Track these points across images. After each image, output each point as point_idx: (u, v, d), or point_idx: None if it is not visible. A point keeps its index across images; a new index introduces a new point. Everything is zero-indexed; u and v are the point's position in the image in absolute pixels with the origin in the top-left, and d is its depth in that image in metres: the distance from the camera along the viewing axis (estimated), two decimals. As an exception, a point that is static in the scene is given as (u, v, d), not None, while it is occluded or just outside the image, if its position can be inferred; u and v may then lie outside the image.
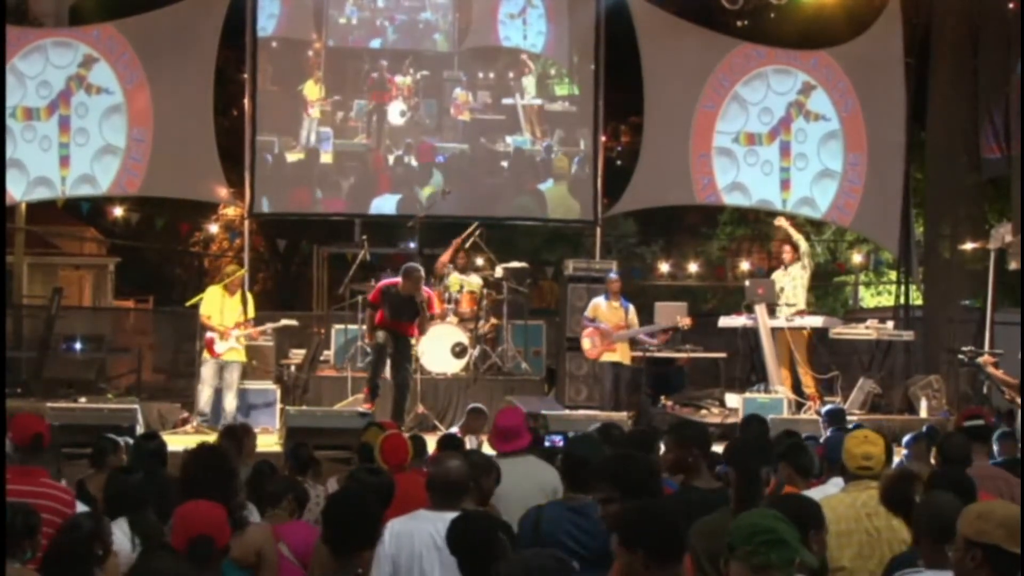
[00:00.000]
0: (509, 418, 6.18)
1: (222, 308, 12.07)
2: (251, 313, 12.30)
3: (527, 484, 5.70)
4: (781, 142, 15.54)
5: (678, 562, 3.63)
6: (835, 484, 5.44)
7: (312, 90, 14.91)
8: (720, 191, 15.63)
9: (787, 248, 13.59)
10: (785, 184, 15.64)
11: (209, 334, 12.03)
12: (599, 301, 12.74)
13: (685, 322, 12.98)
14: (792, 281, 13.19)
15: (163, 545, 4.58)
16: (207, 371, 11.98)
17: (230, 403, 12.00)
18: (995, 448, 7.32)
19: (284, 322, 13.17)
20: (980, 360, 11.85)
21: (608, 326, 12.55)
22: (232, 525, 4.38)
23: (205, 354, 12.04)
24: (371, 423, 7.70)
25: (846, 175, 15.54)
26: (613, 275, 13.00)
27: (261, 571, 4.65)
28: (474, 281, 13.46)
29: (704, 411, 13.19)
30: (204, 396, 11.97)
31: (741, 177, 15.53)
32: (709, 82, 15.41)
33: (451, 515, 4.78)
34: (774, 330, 12.96)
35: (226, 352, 11.98)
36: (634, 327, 12.75)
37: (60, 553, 4.31)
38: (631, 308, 12.79)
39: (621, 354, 12.56)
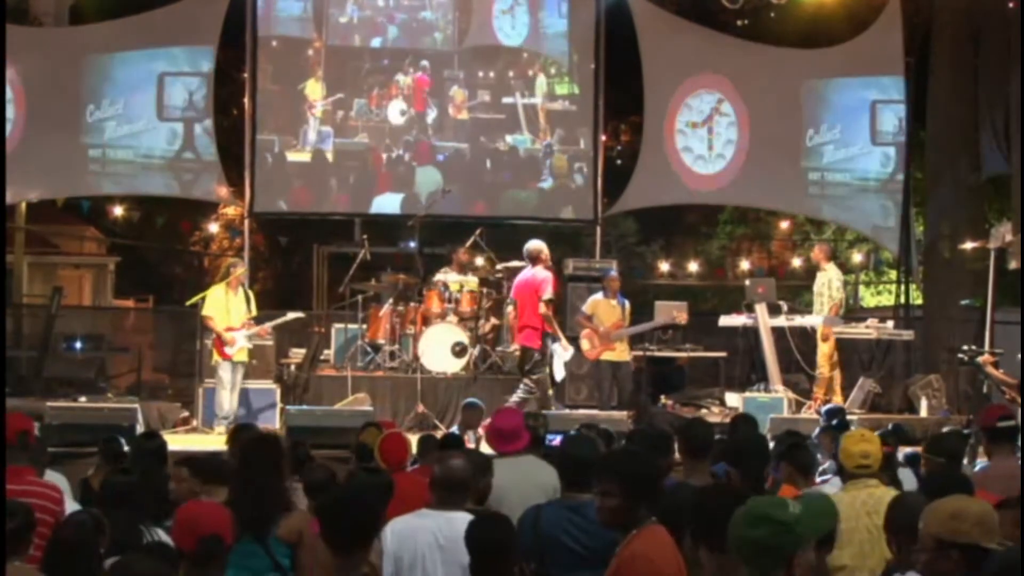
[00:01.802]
0: (508, 419, 6.18)
1: (227, 307, 11.95)
2: (254, 311, 12.25)
3: (527, 484, 5.70)
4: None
5: None
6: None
7: (314, 89, 14.91)
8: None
9: (817, 249, 13.71)
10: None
11: (216, 335, 11.92)
12: (597, 298, 12.73)
13: (682, 318, 12.99)
14: (823, 284, 13.31)
15: (145, 546, 4.60)
16: (224, 373, 11.82)
17: (233, 403, 11.90)
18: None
19: (290, 315, 13.08)
20: (980, 360, 11.84)
21: (605, 326, 12.54)
22: (283, 507, 5.06)
23: (217, 357, 11.89)
24: (369, 423, 7.69)
25: (846, 174, 15.63)
26: (613, 273, 12.98)
27: (301, 548, 4.99)
28: (471, 280, 13.49)
29: (704, 410, 13.19)
30: (226, 398, 11.81)
31: (741, 176, 15.60)
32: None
33: (453, 514, 4.80)
34: (782, 329, 12.99)
35: (236, 353, 11.92)
36: (627, 324, 12.75)
37: (65, 549, 4.31)
38: (627, 305, 12.79)
39: (619, 353, 12.56)
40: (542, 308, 11.22)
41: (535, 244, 11.58)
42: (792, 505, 3.29)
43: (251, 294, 12.38)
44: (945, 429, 6.99)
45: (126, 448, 7.14)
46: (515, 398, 11.33)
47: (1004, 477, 5.58)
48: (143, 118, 14.48)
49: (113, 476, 5.46)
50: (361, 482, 5.24)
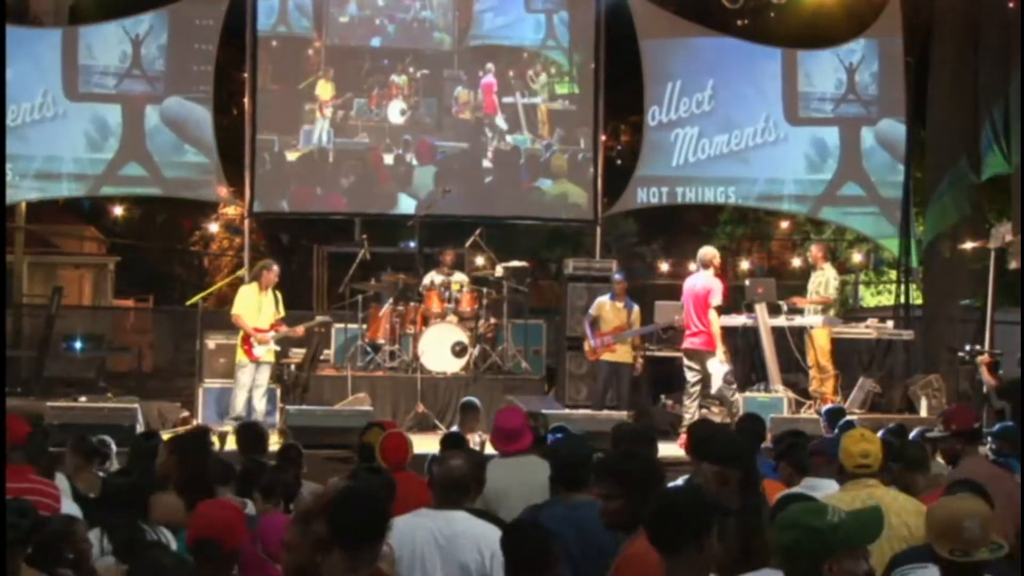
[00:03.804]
0: (511, 418, 6.17)
1: (259, 307, 11.86)
2: (282, 312, 12.12)
3: (528, 484, 5.69)
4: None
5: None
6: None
7: (324, 89, 14.91)
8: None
9: (815, 249, 13.73)
10: (787, 182, 15.75)
11: (245, 335, 11.81)
12: (604, 300, 12.74)
13: (682, 321, 12.98)
14: (819, 283, 13.30)
15: (155, 543, 4.62)
16: (245, 376, 11.73)
17: (261, 403, 11.81)
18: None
19: (319, 319, 13.06)
20: (979, 360, 11.84)
21: (609, 328, 12.52)
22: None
23: (242, 357, 11.79)
24: (372, 423, 7.68)
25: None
26: (619, 276, 12.99)
27: None
28: (459, 279, 13.51)
29: (704, 410, 13.17)
30: (241, 400, 11.69)
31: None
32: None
33: (453, 513, 4.81)
34: (782, 329, 12.99)
35: (264, 354, 11.85)
36: (635, 328, 12.76)
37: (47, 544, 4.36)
38: (635, 308, 12.79)
39: (620, 354, 12.55)
40: (712, 315, 11.40)
41: (709, 250, 11.80)
42: (832, 512, 3.22)
43: (280, 296, 12.27)
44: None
45: (114, 447, 7.18)
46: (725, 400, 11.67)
47: (990, 476, 5.58)
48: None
49: (113, 476, 5.47)
50: (369, 480, 5.22)
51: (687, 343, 11.67)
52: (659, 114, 15.35)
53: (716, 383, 11.61)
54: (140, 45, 14.60)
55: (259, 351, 11.78)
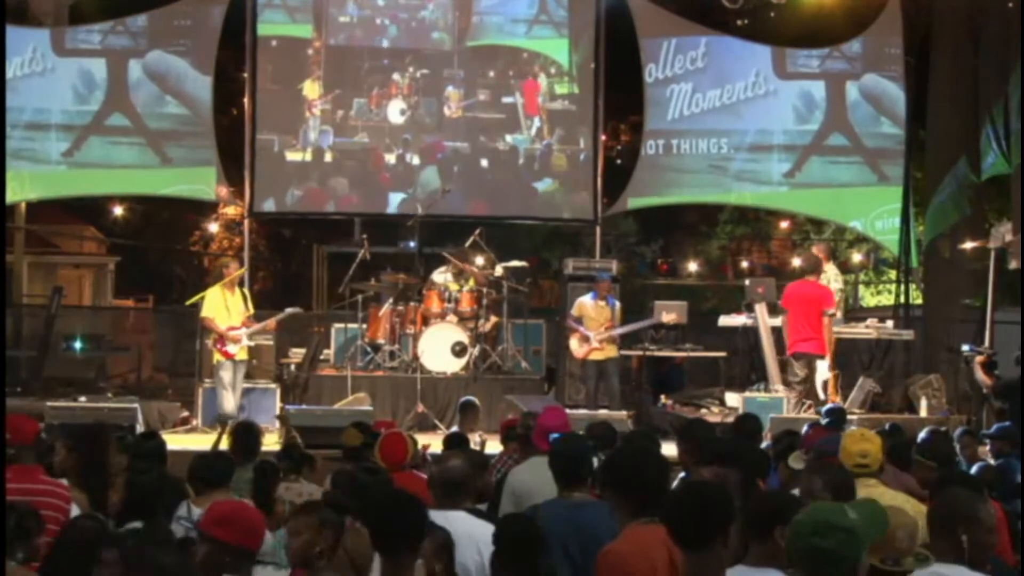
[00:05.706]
0: (554, 417, 6.12)
1: (228, 307, 11.95)
2: (251, 308, 12.23)
3: (550, 485, 5.66)
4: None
5: None
6: None
7: (312, 89, 14.92)
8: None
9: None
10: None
11: (218, 336, 11.90)
12: (585, 300, 12.69)
13: (670, 318, 12.99)
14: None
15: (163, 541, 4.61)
16: (226, 374, 11.78)
17: (233, 401, 11.89)
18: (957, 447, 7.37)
19: (289, 311, 13.03)
20: (977, 359, 11.85)
21: (592, 327, 12.47)
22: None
23: (219, 357, 11.85)
24: (351, 424, 7.63)
25: (847, 174, 15.67)
26: (605, 276, 12.97)
27: None
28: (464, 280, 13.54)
29: (704, 410, 13.19)
30: (228, 399, 11.75)
31: (741, 175, 15.66)
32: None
33: (453, 513, 4.80)
34: (782, 328, 12.99)
35: (239, 351, 11.90)
36: (617, 324, 12.71)
37: (63, 553, 4.31)
38: (616, 305, 12.74)
39: (606, 352, 12.51)
40: (826, 321, 11.95)
41: (813, 256, 12.37)
42: (849, 511, 3.21)
43: (247, 293, 12.38)
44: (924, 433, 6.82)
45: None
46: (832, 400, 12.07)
47: None
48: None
49: (136, 476, 5.48)
50: (363, 483, 5.20)
51: (798, 347, 12.04)
52: (656, 71, 15.52)
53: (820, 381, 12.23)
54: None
55: (233, 349, 11.85)
